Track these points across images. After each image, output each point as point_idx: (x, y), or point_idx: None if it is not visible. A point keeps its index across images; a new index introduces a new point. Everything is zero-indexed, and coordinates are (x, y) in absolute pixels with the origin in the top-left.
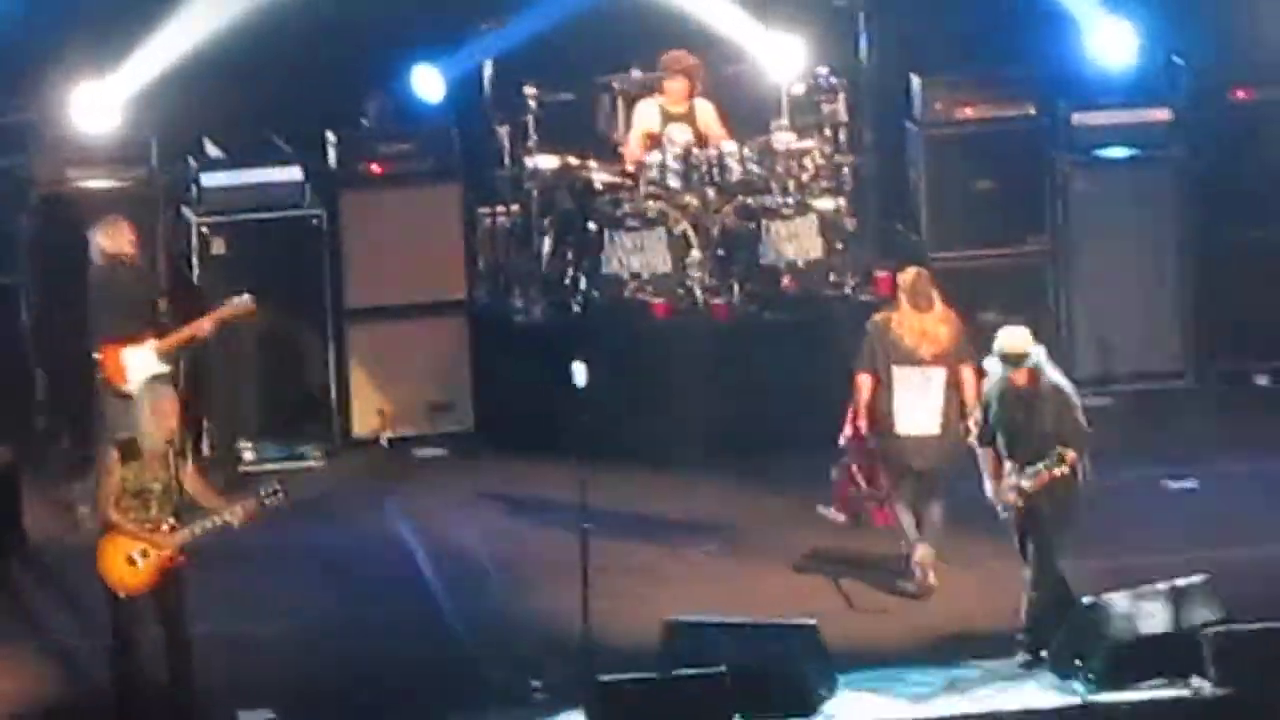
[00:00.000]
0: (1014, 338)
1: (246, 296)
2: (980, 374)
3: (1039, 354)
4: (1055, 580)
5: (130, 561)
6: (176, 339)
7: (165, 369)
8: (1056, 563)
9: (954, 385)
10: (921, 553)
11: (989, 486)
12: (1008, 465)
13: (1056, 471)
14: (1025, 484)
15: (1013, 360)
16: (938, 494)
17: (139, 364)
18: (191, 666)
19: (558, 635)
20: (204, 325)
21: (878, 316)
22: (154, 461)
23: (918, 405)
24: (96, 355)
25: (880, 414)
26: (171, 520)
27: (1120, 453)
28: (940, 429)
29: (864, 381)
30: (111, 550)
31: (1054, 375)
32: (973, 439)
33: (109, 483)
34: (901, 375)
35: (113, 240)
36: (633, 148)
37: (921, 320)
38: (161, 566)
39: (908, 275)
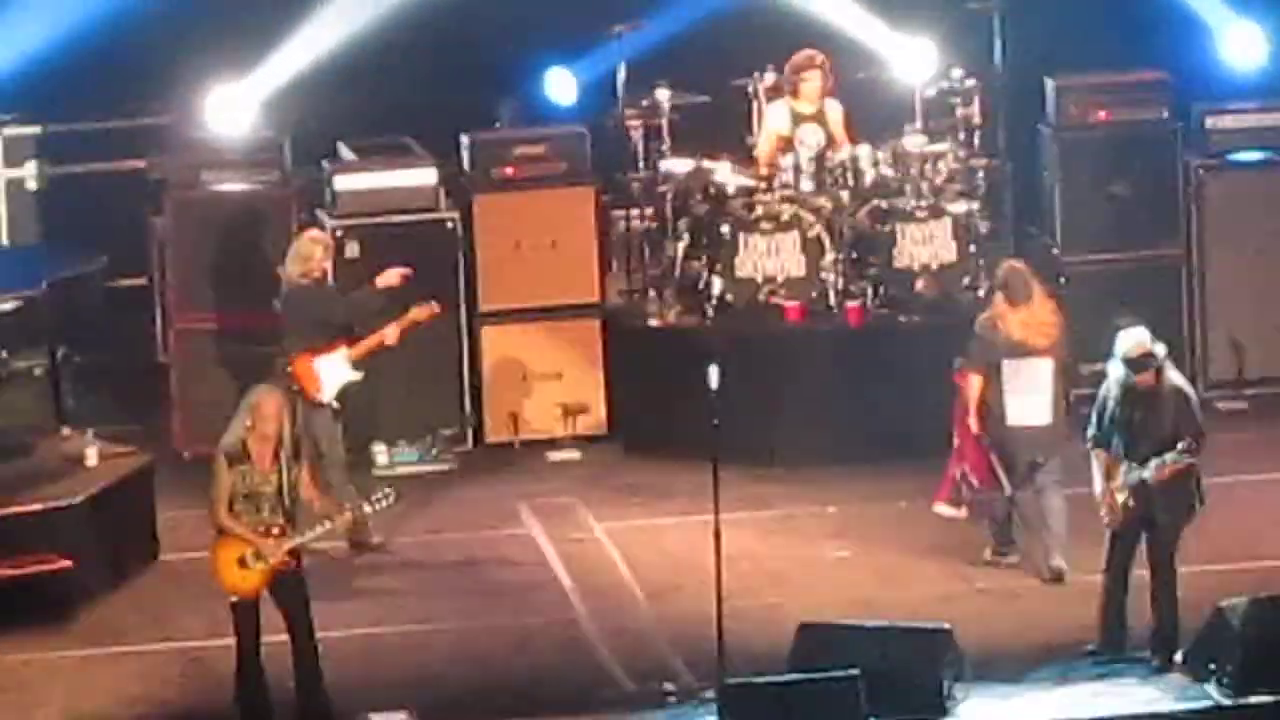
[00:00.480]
0: (1138, 339)
1: (431, 302)
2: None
3: (1161, 353)
4: (1172, 581)
5: (242, 564)
6: (367, 347)
7: (358, 376)
8: (1174, 563)
9: (1061, 374)
10: (1049, 540)
11: (1099, 487)
12: (1123, 466)
13: (1182, 463)
14: (1147, 475)
15: (1139, 363)
16: (1056, 483)
17: (332, 373)
18: (318, 669)
19: (691, 638)
20: (391, 332)
21: (983, 315)
22: (262, 464)
23: (1029, 396)
24: (290, 369)
25: (992, 409)
26: (282, 523)
27: (1255, 455)
28: (1051, 418)
29: (975, 380)
30: (224, 554)
31: (1175, 375)
32: (1087, 442)
33: (218, 487)
34: (1011, 368)
35: (302, 263)
36: (763, 150)
37: (1025, 312)
38: (273, 570)
39: (1002, 270)
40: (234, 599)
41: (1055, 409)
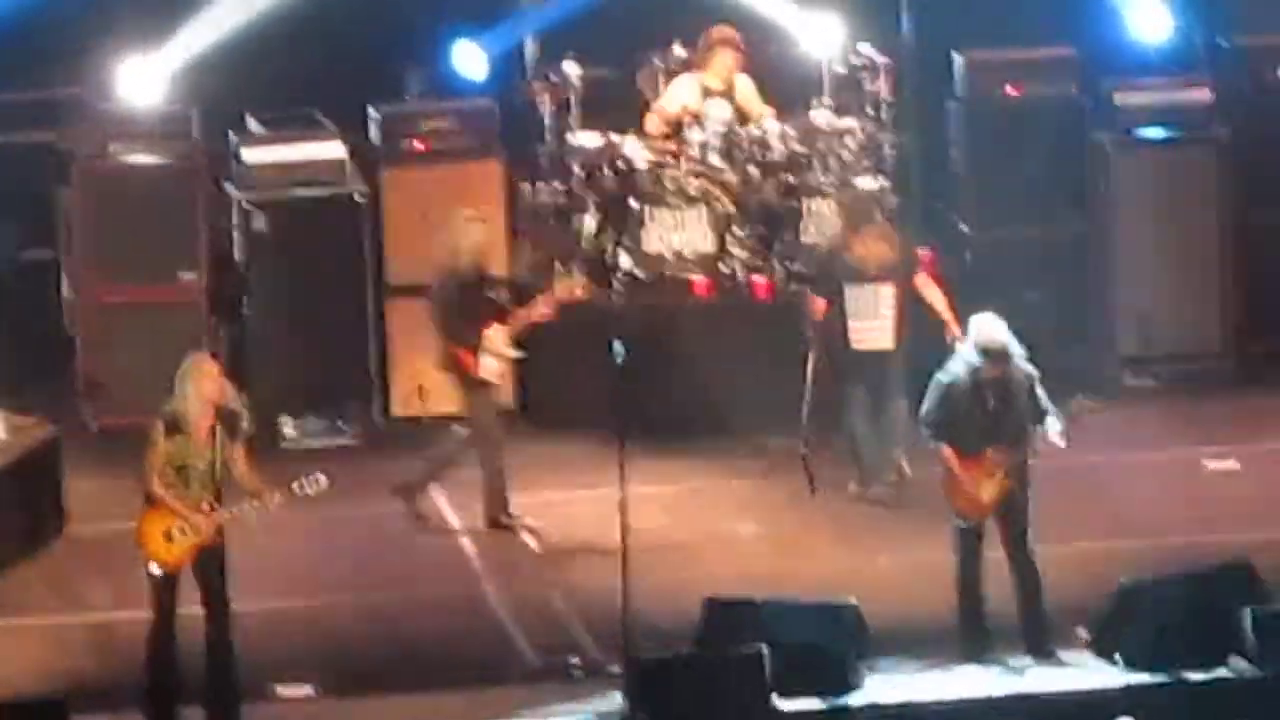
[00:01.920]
0: (994, 329)
1: (582, 278)
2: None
3: (1016, 348)
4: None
5: (168, 537)
6: (522, 322)
7: (517, 354)
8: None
9: (901, 299)
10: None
11: (958, 481)
12: (991, 454)
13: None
14: (1054, 435)
15: (996, 354)
16: (899, 396)
17: (492, 350)
18: (230, 642)
19: (597, 613)
20: (544, 308)
21: (824, 242)
22: (199, 437)
23: (870, 321)
24: (450, 351)
25: (835, 334)
26: (210, 499)
27: (1160, 434)
28: (893, 343)
29: (819, 304)
30: (151, 523)
31: (1020, 362)
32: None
33: (153, 455)
34: (852, 293)
35: (458, 241)
36: (661, 117)
37: (866, 239)
38: (198, 544)
39: (846, 197)
40: (154, 570)
41: (896, 333)
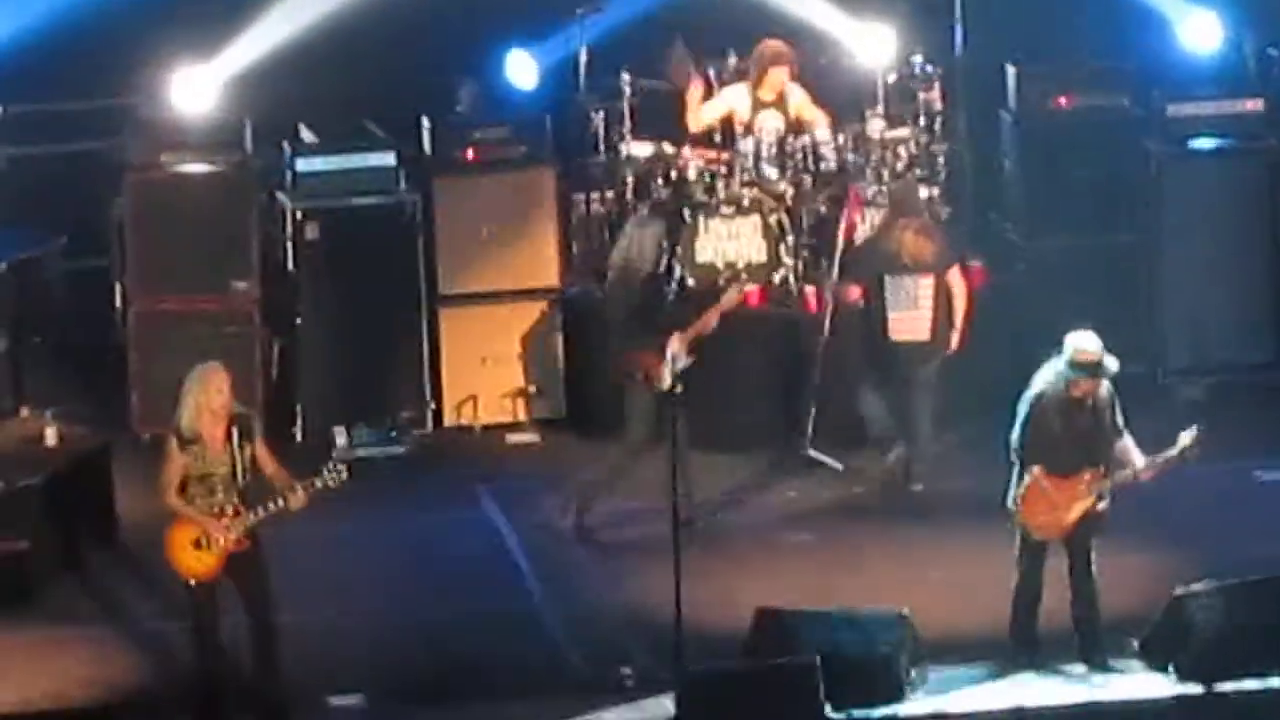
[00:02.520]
0: (1091, 344)
1: (750, 286)
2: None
3: (1110, 363)
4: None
5: (196, 546)
6: (695, 332)
7: (689, 361)
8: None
9: (940, 291)
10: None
11: (1048, 502)
12: (1086, 477)
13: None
14: (1139, 473)
15: (1090, 368)
16: (931, 387)
17: (673, 359)
18: (276, 652)
19: (649, 623)
20: (710, 319)
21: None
22: (215, 446)
23: (908, 311)
24: (631, 357)
25: (873, 323)
26: (236, 504)
27: (1211, 444)
28: (929, 334)
29: (854, 290)
30: (177, 537)
31: (1104, 381)
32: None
33: (169, 469)
34: (892, 284)
35: (639, 248)
36: (704, 118)
37: (909, 229)
38: (227, 552)
39: (895, 185)
40: (191, 581)
41: (933, 326)
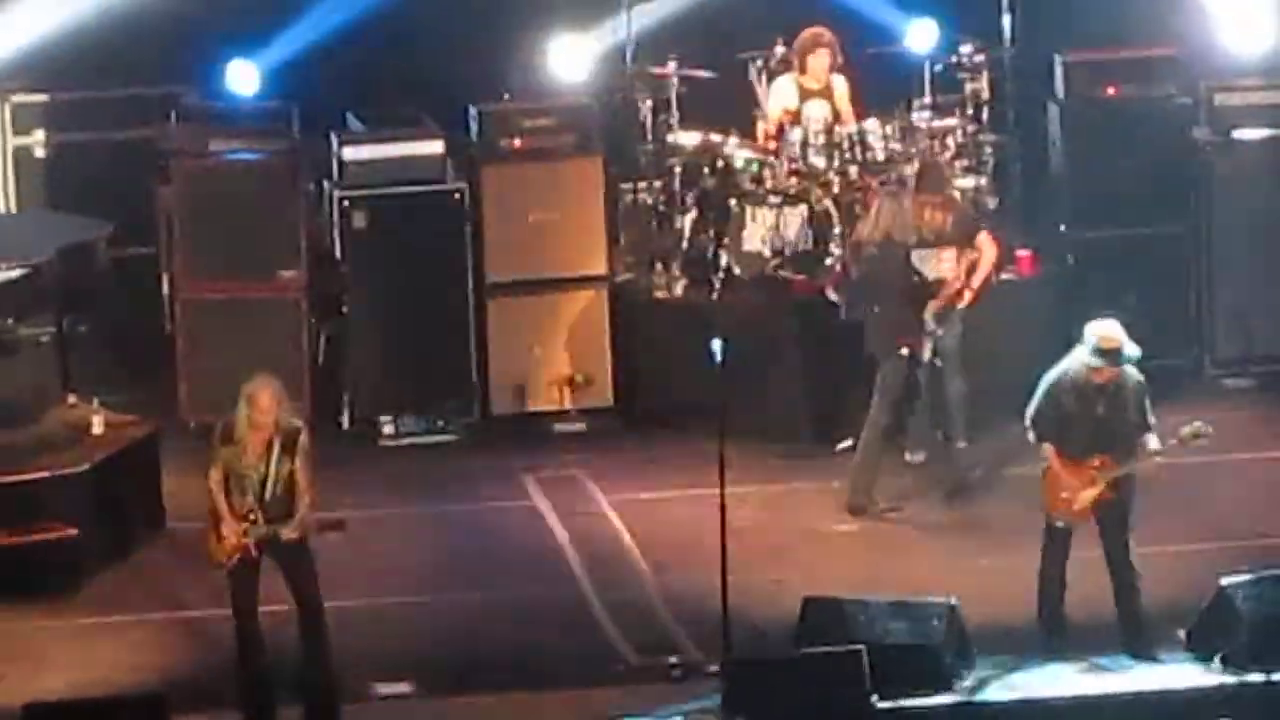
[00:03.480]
0: (1112, 331)
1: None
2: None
3: (1131, 350)
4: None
5: (219, 538)
6: (945, 302)
7: (941, 331)
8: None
9: (962, 260)
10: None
11: (1062, 482)
12: (1096, 462)
13: (1202, 441)
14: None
15: (1111, 355)
16: (958, 367)
17: (931, 330)
18: (324, 641)
19: (695, 612)
20: (963, 288)
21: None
22: (253, 452)
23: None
24: (897, 331)
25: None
26: (257, 510)
27: (1258, 434)
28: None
29: None
30: (209, 521)
31: (1132, 369)
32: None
33: (212, 459)
34: (919, 256)
35: (887, 219)
36: (768, 125)
37: (932, 203)
38: (237, 550)
39: (920, 161)
40: (228, 564)
41: (957, 295)
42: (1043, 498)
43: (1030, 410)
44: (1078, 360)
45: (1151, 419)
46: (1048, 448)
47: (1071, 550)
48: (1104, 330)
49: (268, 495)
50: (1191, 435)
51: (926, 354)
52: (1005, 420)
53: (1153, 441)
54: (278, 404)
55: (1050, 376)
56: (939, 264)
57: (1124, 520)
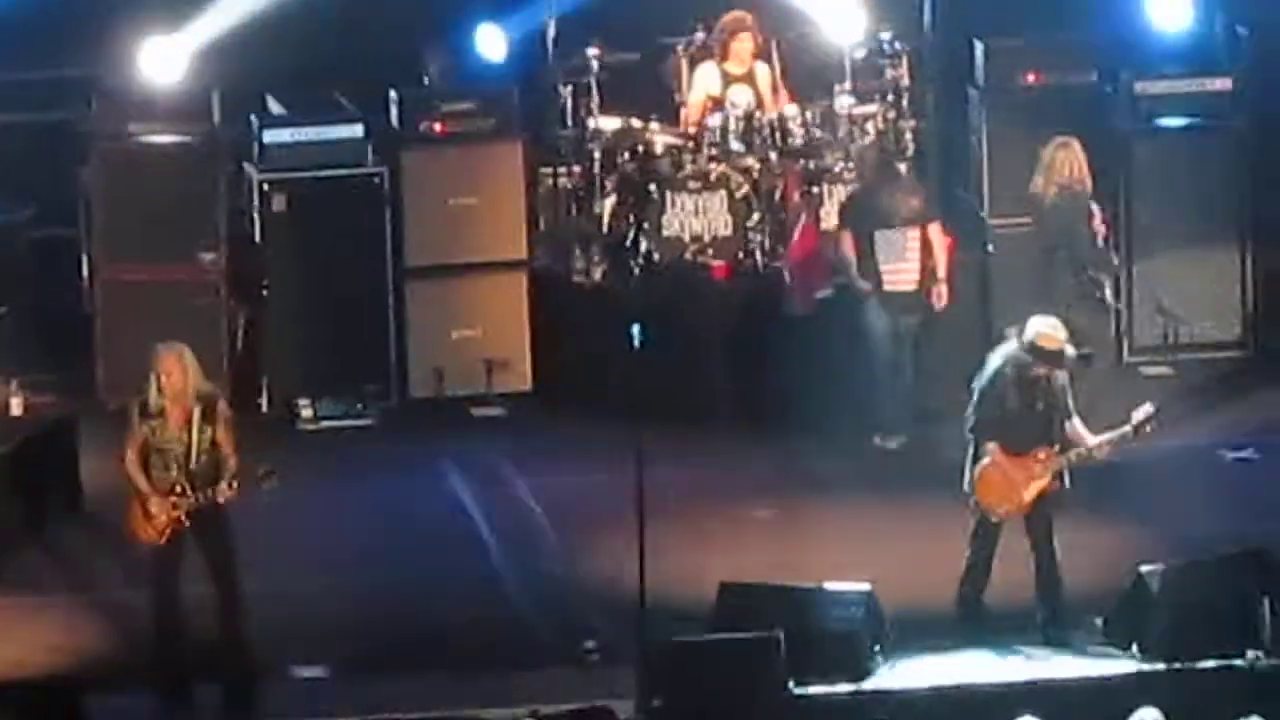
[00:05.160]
0: (1053, 329)
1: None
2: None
3: (1070, 351)
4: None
5: (146, 516)
6: None
7: None
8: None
9: (926, 242)
10: None
11: (999, 478)
12: (1040, 454)
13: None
14: (1093, 451)
15: (1050, 355)
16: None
17: None
18: (240, 621)
19: (612, 596)
20: None
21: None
22: (173, 423)
23: (898, 263)
24: None
25: (868, 275)
26: (184, 483)
27: (1179, 423)
28: (917, 284)
29: (846, 238)
30: (132, 503)
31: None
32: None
33: (130, 437)
34: (883, 237)
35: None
36: (692, 110)
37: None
38: (169, 525)
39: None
40: (160, 540)
41: (921, 275)
42: (978, 494)
43: (970, 412)
44: (1016, 356)
45: (1073, 406)
46: (993, 447)
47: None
48: (1046, 330)
49: (193, 464)
50: (1144, 420)
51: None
52: (917, 404)
53: (1081, 428)
54: (183, 368)
55: (986, 376)
56: (904, 246)
57: (1057, 509)
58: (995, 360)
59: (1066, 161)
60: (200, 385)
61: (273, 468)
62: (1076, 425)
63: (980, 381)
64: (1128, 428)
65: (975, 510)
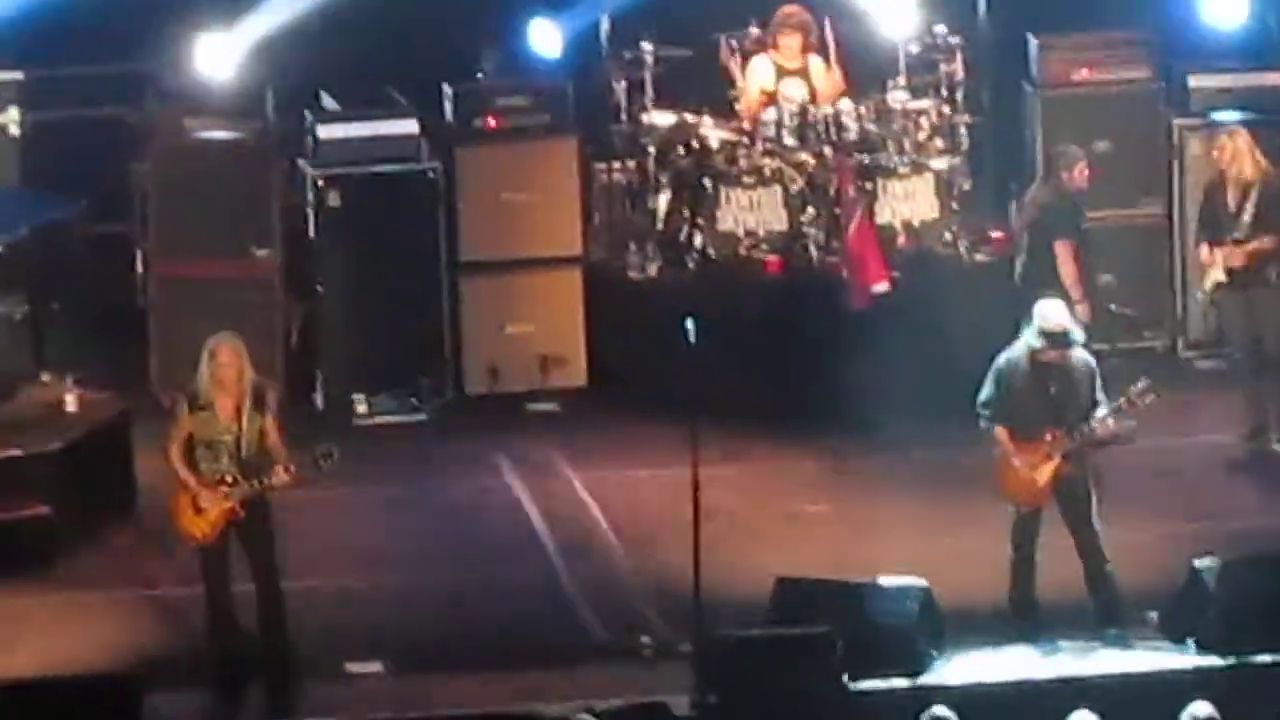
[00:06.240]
0: (1058, 313)
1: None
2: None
3: (1077, 333)
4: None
5: (195, 510)
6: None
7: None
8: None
9: None
10: None
11: (1015, 463)
12: (1047, 438)
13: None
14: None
15: (1058, 338)
16: None
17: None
18: (281, 618)
19: (668, 591)
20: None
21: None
22: (224, 414)
23: None
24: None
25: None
26: (235, 473)
27: (1230, 417)
28: None
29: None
30: (180, 499)
31: (1080, 349)
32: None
33: (175, 430)
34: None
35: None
36: (747, 104)
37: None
38: (224, 518)
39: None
40: (200, 544)
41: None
42: (997, 485)
43: (981, 396)
44: (1024, 341)
45: (1102, 397)
46: (1000, 431)
47: (1044, 535)
48: (1050, 313)
49: (244, 453)
50: (1139, 394)
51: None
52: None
53: (1101, 413)
54: (239, 357)
55: (999, 361)
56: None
57: (1085, 502)
58: (1010, 347)
59: (1229, 149)
60: (252, 376)
61: (333, 448)
62: (1100, 413)
63: (994, 366)
64: (1122, 400)
65: (1005, 503)
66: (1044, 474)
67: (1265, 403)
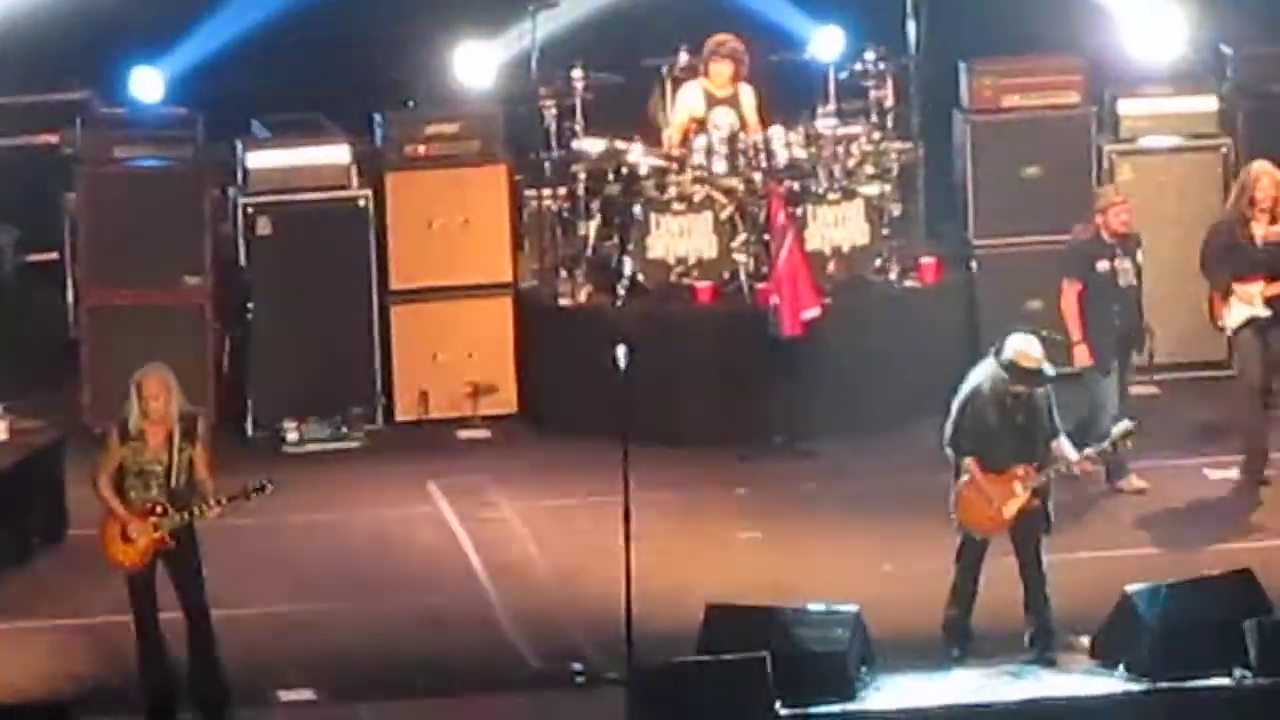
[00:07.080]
0: (1032, 349)
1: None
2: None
3: (1049, 370)
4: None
5: (124, 539)
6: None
7: (1266, 314)
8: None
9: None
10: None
11: (988, 495)
12: (1019, 472)
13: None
14: (1073, 467)
15: (1028, 375)
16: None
17: (1240, 306)
18: (211, 646)
19: (599, 618)
20: None
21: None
22: (154, 443)
23: None
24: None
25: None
26: (164, 503)
27: (1163, 441)
28: None
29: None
30: (108, 528)
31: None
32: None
33: (105, 458)
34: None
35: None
36: (673, 132)
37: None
38: (151, 547)
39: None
40: (128, 573)
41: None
42: (959, 513)
43: (949, 428)
44: (994, 374)
45: (1059, 424)
46: (969, 462)
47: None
48: (1025, 349)
49: (173, 484)
50: (1122, 435)
51: (1222, 321)
52: (906, 425)
53: (1066, 446)
54: (167, 389)
55: (965, 392)
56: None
57: (1042, 528)
58: (974, 378)
59: (1260, 177)
60: (182, 405)
61: (266, 481)
62: (1061, 442)
63: (959, 398)
64: (1106, 443)
65: (960, 529)
66: (1012, 507)
67: (1266, 434)
